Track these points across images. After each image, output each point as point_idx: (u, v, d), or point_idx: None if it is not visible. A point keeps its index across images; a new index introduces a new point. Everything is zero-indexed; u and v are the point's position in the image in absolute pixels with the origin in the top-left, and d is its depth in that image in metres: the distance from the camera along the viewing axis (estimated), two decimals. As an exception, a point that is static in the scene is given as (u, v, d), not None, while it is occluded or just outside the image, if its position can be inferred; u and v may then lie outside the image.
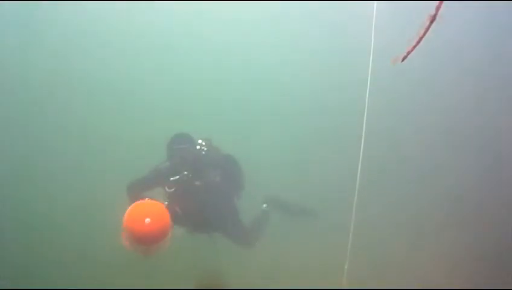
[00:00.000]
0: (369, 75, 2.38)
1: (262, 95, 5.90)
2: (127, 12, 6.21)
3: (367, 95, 2.46)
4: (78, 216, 5.37)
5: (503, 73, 6.17)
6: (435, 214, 5.67)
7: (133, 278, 4.80)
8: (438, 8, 1.45)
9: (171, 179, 4.18)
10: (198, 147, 4.28)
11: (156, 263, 5.05)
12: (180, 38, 5.73)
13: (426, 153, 6.05)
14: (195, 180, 4.21)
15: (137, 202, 3.61)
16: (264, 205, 4.94)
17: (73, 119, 6.14)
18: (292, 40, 6.05)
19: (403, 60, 1.43)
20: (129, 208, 3.51)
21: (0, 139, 5.77)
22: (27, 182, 5.60)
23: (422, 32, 1.59)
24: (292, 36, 5.99)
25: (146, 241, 3.44)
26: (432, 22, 1.57)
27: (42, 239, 5.20)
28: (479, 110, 6.14)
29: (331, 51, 6.15)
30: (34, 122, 6.09)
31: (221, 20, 5.95)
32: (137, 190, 4.17)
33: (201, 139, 4.34)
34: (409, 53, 1.47)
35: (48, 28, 6.24)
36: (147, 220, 3.37)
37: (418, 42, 1.53)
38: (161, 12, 6.14)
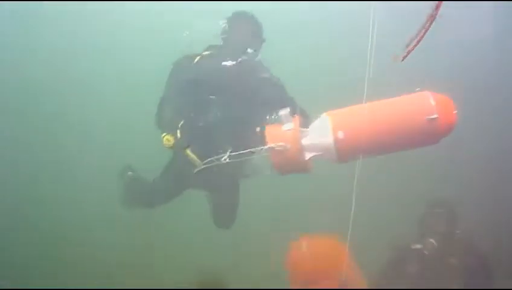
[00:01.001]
0: (367, 74, 2.37)
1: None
2: (128, 10, 6.21)
3: (365, 95, 2.45)
4: (78, 216, 5.36)
5: (506, 72, 6.15)
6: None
7: (132, 278, 4.80)
8: (437, 7, 1.44)
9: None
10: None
11: (156, 262, 5.06)
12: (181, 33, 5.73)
13: (425, 152, 6.00)
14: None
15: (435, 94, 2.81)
16: None
17: (78, 120, 6.14)
18: (291, 38, 6.02)
19: (403, 59, 1.43)
20: (434, 98, 2.76)
21: (2, 139, 5.77)
22: (27, 181, 5.60)
23: (422, 31, 1.58)
24: (291, 34, 5.95)
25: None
26: (431, 21, 1.57)
27: (42, 239, 5.19)
28: (481, 108, 6.12)
29: (330, 49, 6.13)
30: (37, 121, 6.09)
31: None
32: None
33: None
34: (409, 52, 1.47)
35: (48, 27, 6.25)
36: (455, 112, 2.79)
37: (419, 41, 1.52)
38: (161, 11, 6.14)
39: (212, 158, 2.90)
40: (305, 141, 2.85)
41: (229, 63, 3.05)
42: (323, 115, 2.84)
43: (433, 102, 2.73)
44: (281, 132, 2.85)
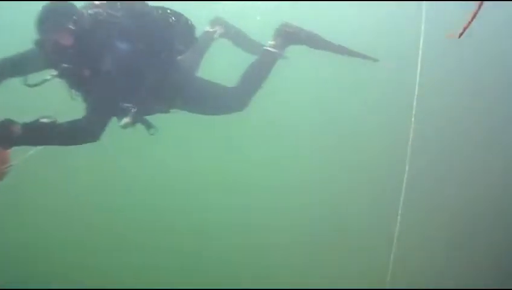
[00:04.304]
0: (418, 76, 2.23)
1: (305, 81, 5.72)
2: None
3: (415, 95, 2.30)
4: (75, 216, 5.26)
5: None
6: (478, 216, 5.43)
7: (131, 278, 4.76)
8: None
9: None
10: None
11: (156, 262, 5.00)
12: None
13: (473, 154, 5.74)
14: None
15: None
16: (271, 43, 3.15)
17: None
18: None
19: (460, 36, 1.33)
20: None
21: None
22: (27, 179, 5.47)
23: (477, 7, 1.50)
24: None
25: None
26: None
27: (40, 239, 5.12)
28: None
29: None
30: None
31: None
32: None
33: None
34: (465, 29, 1.37)
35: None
36: None
37: (474, 17, 1.43)
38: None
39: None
40: None
41: None
42: None
43: None
44: None
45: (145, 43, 2.68)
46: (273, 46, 3.13)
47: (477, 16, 1.41)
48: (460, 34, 1.35)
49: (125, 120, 2.66)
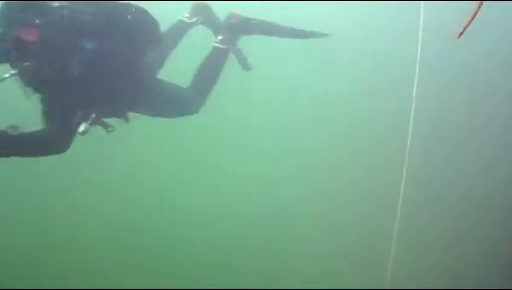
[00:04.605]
0: (416, 76, 2.24)
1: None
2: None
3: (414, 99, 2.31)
4: (72, 214, 5.24)
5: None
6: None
7: (130, 278, 4.75)
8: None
9: None
10: None
11: (155, 262, 4.99)
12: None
13: (474, 155, 5.71)
14: None
15: None
16: (219, 38, 3.05)
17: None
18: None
19: (459, 36, 1.33)
20: None
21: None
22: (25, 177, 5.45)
23: (477, 7, 1.49)
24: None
25: None
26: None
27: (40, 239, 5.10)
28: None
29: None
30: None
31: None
32: None
33: None
34: (465, 29, 1.37)
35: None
36: None
37: (474, 16, 1.43)
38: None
39: None
40: None
41: None
42: None
43: None
44: None
45: (110, 42, 2.55)
46: (221, 42, 3.02)
47: (477, 15, 1.41)
48: (460, 34, 1.35)
49: (84, 126, 2.53)
